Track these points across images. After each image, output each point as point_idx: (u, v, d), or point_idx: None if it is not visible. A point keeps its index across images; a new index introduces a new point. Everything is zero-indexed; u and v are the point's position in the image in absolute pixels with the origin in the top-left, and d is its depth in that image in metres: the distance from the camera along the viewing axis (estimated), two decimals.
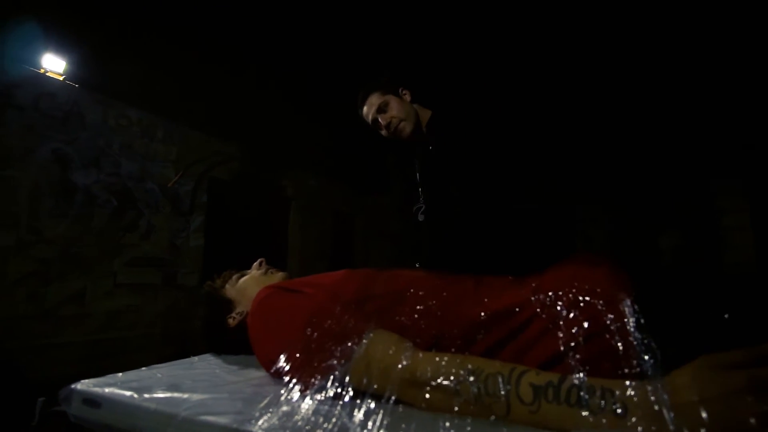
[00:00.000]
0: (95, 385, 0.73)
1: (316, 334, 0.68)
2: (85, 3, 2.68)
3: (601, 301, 0.59)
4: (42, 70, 2.74)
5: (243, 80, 3.52)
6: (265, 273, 1.08)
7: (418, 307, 0.71)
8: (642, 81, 3.39)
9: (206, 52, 3.13)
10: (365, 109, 1.41)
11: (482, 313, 0.67)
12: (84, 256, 2.92)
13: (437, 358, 0.60)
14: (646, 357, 0.54)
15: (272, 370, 0.76)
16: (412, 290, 0.75)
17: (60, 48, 2.78)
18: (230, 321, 0.99)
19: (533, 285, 0.67)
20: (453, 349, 0.66)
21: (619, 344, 0.55)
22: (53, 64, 2.77)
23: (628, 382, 0.51)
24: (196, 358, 0.99)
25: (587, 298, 0.60)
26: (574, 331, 0.59)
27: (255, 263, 1.12)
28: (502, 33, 2.74)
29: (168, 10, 2.70)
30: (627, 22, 2.77)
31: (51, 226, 2.76)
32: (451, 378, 0.57)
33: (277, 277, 1.06)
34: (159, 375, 0.81)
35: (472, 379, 0.56)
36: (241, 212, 4.32)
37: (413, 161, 1.49)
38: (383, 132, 1.41)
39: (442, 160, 1.35)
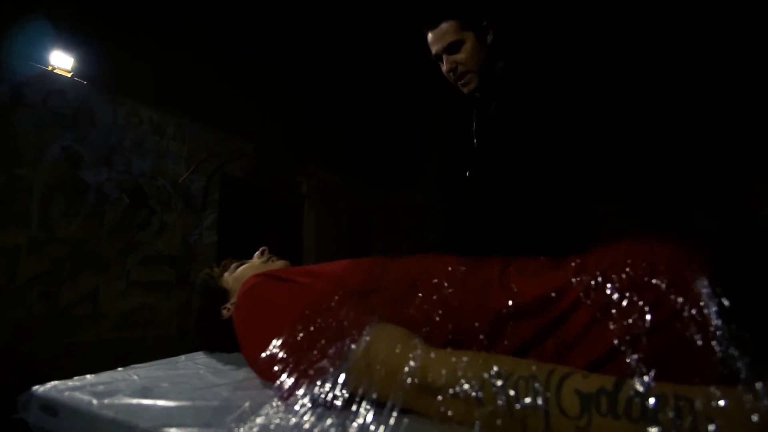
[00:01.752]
0: (56, 390, 0.63)
1: (308, 329, 0.56)
2: None
3: (666, 281, 0.45)
4: (50, 68, 2.70)
5: (255, 75, 3.44)
6: (266, 261, 0.97)
7: (431, 297, 0.58)
8: (678, 70, 3.18)
9: (217, 48, 3.06)
10: (432, 36, 1.11)
11: (510, 302, 0.54)
12: (97, 255, 2.88)
13: (454, 358, 0.47)
14: (735, 353, 0.40)
15: (258, 370, 0.65)
16: (423, 277, 0.63)
17: (67, 45, 2.74)
18: (224, 312, 0.89)
19: (573, 265, 0.54)
20: (474, 348, 0.53)
21: (696, 337, 0.41)
22: (61, 61, 2.73)
23: (713, 389, 0.37)
24: (183, 357, 0.88)
25: (647, 278, 0.46)
26: (631, 320, 0.45)
27: (257, 252, 1.02)
28: None
29: (177, 5, 2.63)
30: (671, 12, 2.57)
31: (63, 225, 2.73)
32: (472, 383, 0.44)
33: (277, 265, 0.95)
34: (135, 377, 0.71)
35: (499, 384, 0.43)
36: (254, 209, 4.26)
37: (470, 119, 1.22)
38: (445, 74, 1.15)
39: (509, 121, 1.12)
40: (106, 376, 0.72)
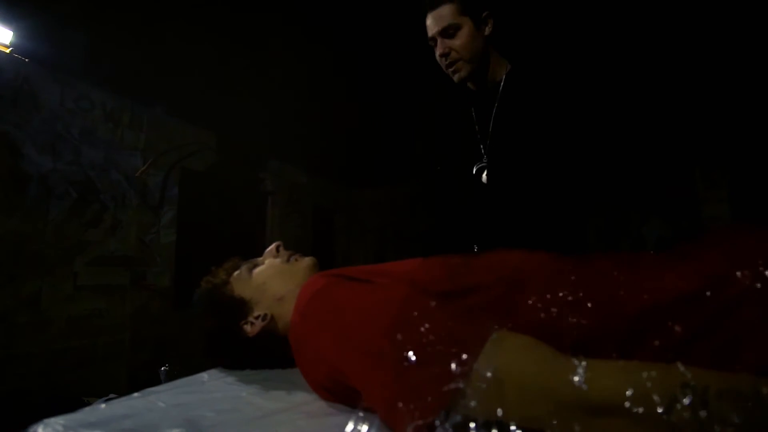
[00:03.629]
0: (68, 426, 0.49)
1: (414, 342, 0.46)
2: None
3: None
4: None
5: (222, 62, 3.21)
6: (288, 260, 0.83)
7: (543, 298, 0.50)
8: (634, 77, 3.33)
9: (182, 27, 2.81)
10: (430, 20, 1.13)
11: (650, 300, 0.47)
12: (39, 256, 2.55)
13: (622, 369, 0.40)
14: None
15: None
16: (521, 275, 0.55)
17: (6, 15, 2.40)
18: (247, 328, 0.74)
19: (711, 256, 0.48)
20: (614, 355, 0.46)
21: None
22: None
23: None
24: (205, 375, 0.74)
25: None
26: None
27: (270, 249, 0.87)
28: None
29: None
30: (609, 21, 2.66)
31: None
32: (656, 398, 0.37)
33: (305, 264, 0.82)
34: (161, 404, 0.57)
35: (688, 400, 0.36)
36: (216, 206, 4.00)
37: (468, 110, 1.25)
38: (438, 58, 1.17)
39: (524, 119, 1.16)
40: (122, 405, 0.58)
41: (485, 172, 1.19)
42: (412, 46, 1.33)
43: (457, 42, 1.11)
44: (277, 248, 0.87)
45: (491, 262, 0.60)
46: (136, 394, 0.62)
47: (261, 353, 0.75)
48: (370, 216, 6.07)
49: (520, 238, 1.11)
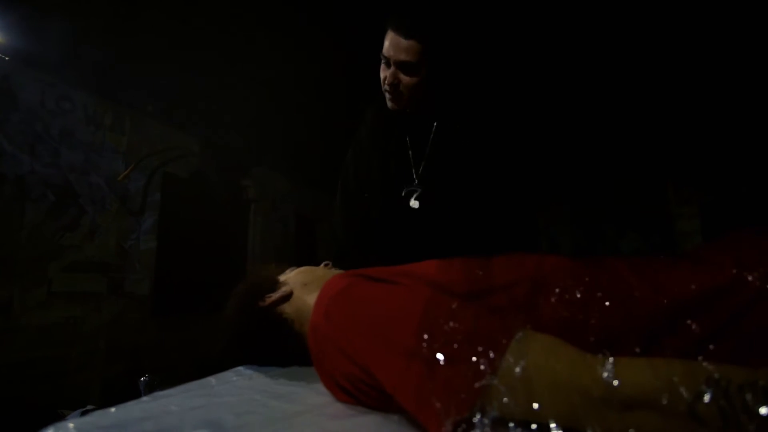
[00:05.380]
0: (82, 430, 0.47)
1: (441, 341, 0.47)
2: None
3: None
4: None
5: (207, 66, 3.18)
6: (326, 267, 0.93)
7: (562, 298, 0.52)
8: (620, 88, 3.44)
9: (167, 32, 2.78)
10: (394, 41, 1.08)
11: (665, 300, 0.49)
12: (12, 260, 2.45)
13: (648, 364, 0.41)
14: None
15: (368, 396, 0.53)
16: (539, 277, 0.56)
17: None
18: (266, 298, 0.80)
19: (726, 260, 0.50)
20: (637, 350, 0.47)
21: None
22: None
23: None
24: (213, 380, 0.72)
25: None
26: None
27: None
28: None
29: None
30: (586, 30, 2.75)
31: None
32: (683, 392, 0.38)
33: (337, 272, 0.87)
34: (175, 408, 0.56)
35: (709, 395, 0.38)
36: (198, 213, 3.92)
37: (401, 134, 1.24)
38: (382, 78, 1.15)
39: (461, 147, 1.18)
40: (135, 409, 0.56)
41: (414, 197, 1.18)
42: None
43: (407, 79, 1.11)
44: (326, 265, 0.95)
45: (508, 264, 0.61)
46: (145, 398, 0.60)
47: (269, 332, 0.78)
48: None
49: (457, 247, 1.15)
